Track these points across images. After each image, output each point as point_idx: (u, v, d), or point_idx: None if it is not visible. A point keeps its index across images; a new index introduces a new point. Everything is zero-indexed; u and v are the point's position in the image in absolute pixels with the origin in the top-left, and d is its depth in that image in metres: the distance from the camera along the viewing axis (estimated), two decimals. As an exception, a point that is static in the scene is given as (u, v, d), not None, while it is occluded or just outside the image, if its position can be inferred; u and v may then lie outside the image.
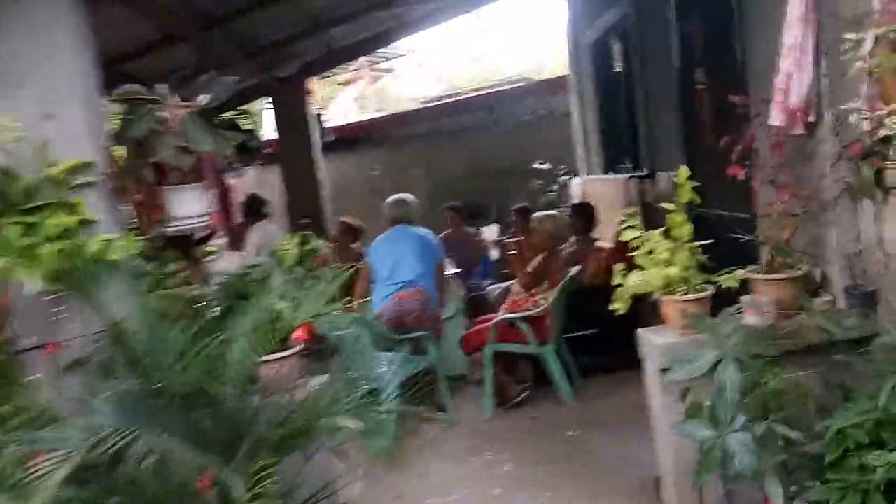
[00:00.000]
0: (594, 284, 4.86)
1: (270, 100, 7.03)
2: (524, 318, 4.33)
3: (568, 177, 6.68)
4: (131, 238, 2.54)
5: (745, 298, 2.65)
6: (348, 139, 9.01)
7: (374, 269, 4.54)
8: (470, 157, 8.74)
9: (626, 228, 2.70)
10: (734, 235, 3.19)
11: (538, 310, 4.34)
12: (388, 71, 20.48)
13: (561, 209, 6.71)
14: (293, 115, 6.87)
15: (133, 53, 4.68)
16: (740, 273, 2.62)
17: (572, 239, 5.21)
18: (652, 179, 4.41)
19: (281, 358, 2.67)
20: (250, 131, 6.73)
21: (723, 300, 2.66)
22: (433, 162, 8.90)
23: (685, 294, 2.58)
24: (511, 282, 5.01)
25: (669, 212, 2.62)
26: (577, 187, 6.27)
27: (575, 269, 4.55)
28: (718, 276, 2.63)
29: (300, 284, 2.58)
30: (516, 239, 5.51)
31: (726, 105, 3.44)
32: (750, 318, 2.52)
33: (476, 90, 9.45)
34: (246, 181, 9.64)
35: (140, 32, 4.67)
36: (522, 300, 4.46)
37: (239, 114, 7.34)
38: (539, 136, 8.38)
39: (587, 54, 6.34)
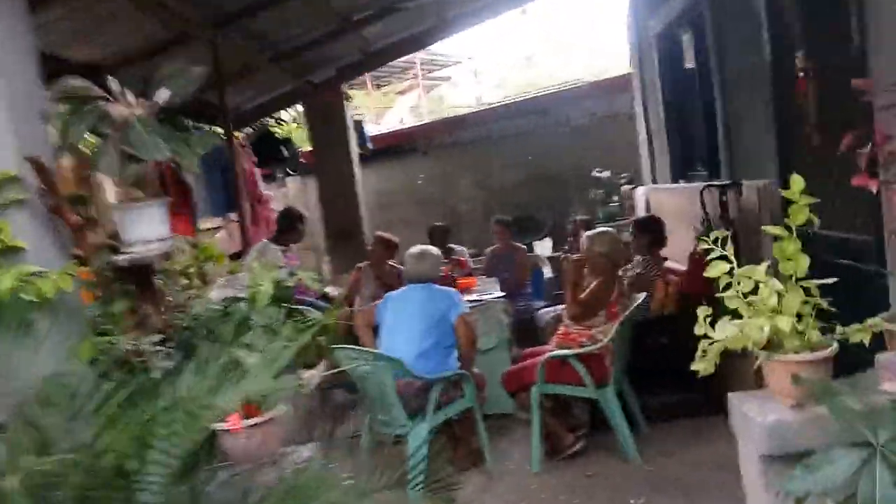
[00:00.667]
0: (663, 314, 4.12)
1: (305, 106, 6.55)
2: (578, 356, 3.63)
3: (631, 186, 5.93)
4: (66, 270, 2.01)
5: (882, 358, 1.91)
6: (392, 148, 8.48)
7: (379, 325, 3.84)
8: (522, 165, 8.06)
9: (711, 259, 1.98)
10: (853, 264, 2.45)
11: (595, 346, 3.63)
12: (444, 79, 20.06)
13: (622, 223, 5.96)
14: (329, 122, 6.37)
15: (140, 55, 4.22)
16: (878, 322, 1.88)
17: (636, 259, 4.47)
18: (735, 190, 3.64)
19: (254, 425, 2.09)
20: (286, 140, 6.29)
21: (846, 358, 1.93)
22: (482, 171, 8.27)
23: (798, 352, 1.86)
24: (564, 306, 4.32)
25: (775, 237, 1.89)
26: (642, 198, 5.52)
27: (640, 297, 3.81)
28: (841, 325, 1.90)
29: (272, 333, 1.99)
30: (575, 256, 4.83)
31: (839, 95, 2.69)
32: (890, 387, 1.79)
33: (529, 93, 8.76)
34: (288, 194, 9.24)
35: (149, 31, 4.22)
36: (576, 333, 3.76)
37: (274, 121, 6.95)
38: (598, 140, 7.63)
39: (652, 48, 5.59)
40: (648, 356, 3.99)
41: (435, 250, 3.97)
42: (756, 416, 1.91)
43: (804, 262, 1.81)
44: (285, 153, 6.23)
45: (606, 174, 6.61)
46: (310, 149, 6.61)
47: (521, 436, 4.13)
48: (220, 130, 6.05)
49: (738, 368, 3.76)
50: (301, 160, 6.99)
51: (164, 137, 2.08)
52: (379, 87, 18.21)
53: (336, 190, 6.41)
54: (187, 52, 4.44)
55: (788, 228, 1.86)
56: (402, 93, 19.63)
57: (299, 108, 6.75)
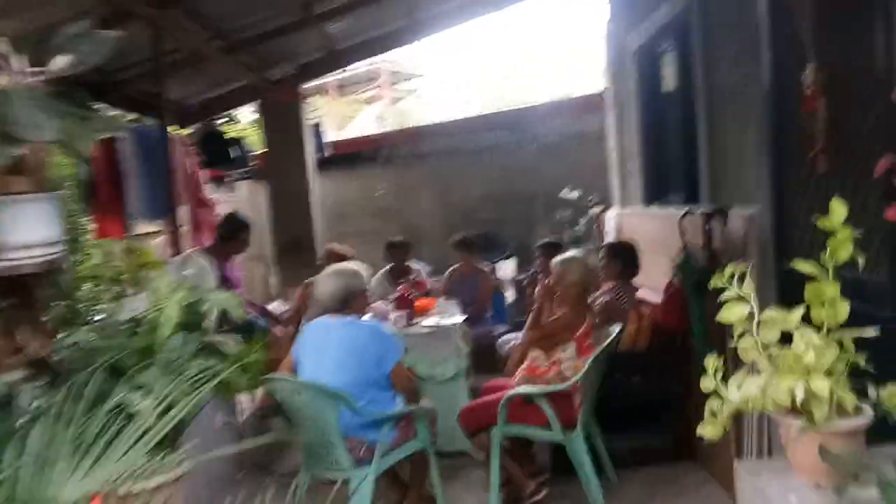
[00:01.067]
0: (634, 349, 3.79)
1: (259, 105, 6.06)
2: (546, 395, 3.25)
3: (600, 208, 5.63)
4: None
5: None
6: (351, 156, 8.05)
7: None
8: (488, 181, 7.72)
9: (728, 299, 1.62)
10: (869, 310, 2.13)
11: (565, 385, 3.26)
12: (411, 91, 19.76)
13: (589, 247, 5.66)
14: (284, 123, 5.92)
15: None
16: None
17: (606, 286, 4.14)
18: (720, 217, 3.34)
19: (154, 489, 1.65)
20: (236, 140, 5.80)
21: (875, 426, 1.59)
22: (445, 185, 7.90)
23: (828, 419, 1.51)
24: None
25: (806, 277, 1.54)
26: (611, 221, 5.23)
27: (614, 330, 3.47)
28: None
29: (177, 371, 1.55)
30: (545, 282, 4.47)
31: (856, 114, 2.40)
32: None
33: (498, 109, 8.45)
34: (239, 198, 8.71)
35: (83, 3, 3.74)
36: (544, 369, 3.39)
37: (226, 119, 6.46)
38: (566, 160, 7.34)
39: (631, 63, 5.32)
40: (617, 394, 3.65)
41: (352, 270, 3.25)
42: (775, 496, 1.54)
43: (844, 309, 1.47)
44: (234, 154, 5.74)
45: (575, 195, 6.31)
46: (262, 151, 6.13)
47: (477, 479, 3.74)
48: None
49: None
50: (254, 163, 6.50)
51: (53, 114, 1.64)
52: (343, 94, 17.80)
53: (288, 197, 5.95)
54: (125, 32, 3.95)
55: (821, 266, 1.52)
56: (367, 102, 19.26)
57: (253, 107, 6.28)
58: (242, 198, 8.40)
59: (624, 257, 4.16)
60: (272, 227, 6.03)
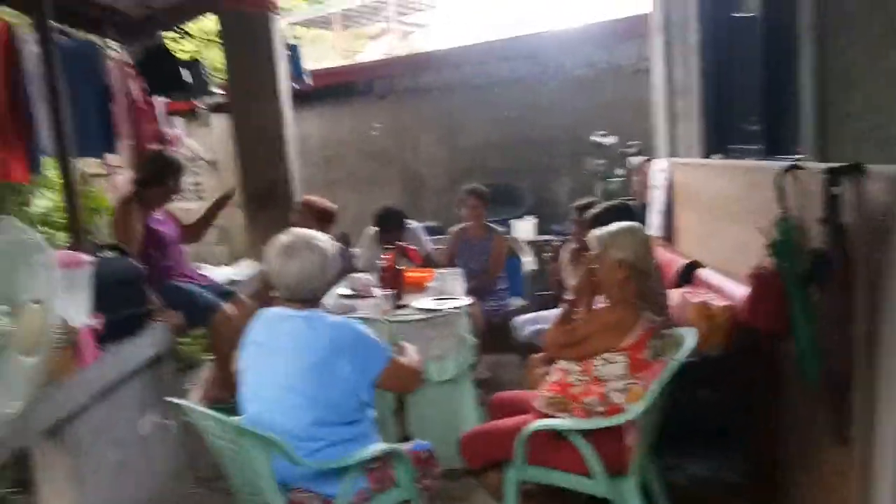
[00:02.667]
0: (704, 354, 2.76)
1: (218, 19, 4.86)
2: (583, 432, 2.25)
3: (642, 158, 4.52)
4: None
5: None
6: (341, 87, 6.87)
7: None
8: (502, 122, 6.54)
9: None
10: None
11: (612, 420, 2.25)
12: (421, 25, 18.29)
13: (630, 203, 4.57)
14: (250, 42, 4.75)
15: None
16: None
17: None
18: (855, 178, 2.24)
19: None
20: (190, 62, 4.67)
21: None
22: (451, 125, 6.73)
23: None
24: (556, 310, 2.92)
25: None
26: (661, 175, 4.12)
27: (688, 336, 2.43)
28: None
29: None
30: (574, 257, 3.41)
31: None
32: None
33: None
34: (211, 134, 7.58)
35: None
36: (580, 386, 2.36)
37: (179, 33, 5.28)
38: (599, 97, 6.17)
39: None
40: (678, 412, 2.65)
41: (322, 242, 2.22)
42: None
43: None
44: (188, 79, 4.61)
45: (610, 140, 5.17)
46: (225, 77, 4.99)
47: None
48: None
49: (803, 449, 2.46)
50: (217, 91, 5.37)
51: None
52: (348, 28, 16.43)
53: (256, 135, 4.83)
54: None
55: None
56: (374, 37, 17.87)
57: (212, 19, 5.09)
58: (215, 134, 7.31)
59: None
60: (238, 171, 4.95)
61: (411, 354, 2.38)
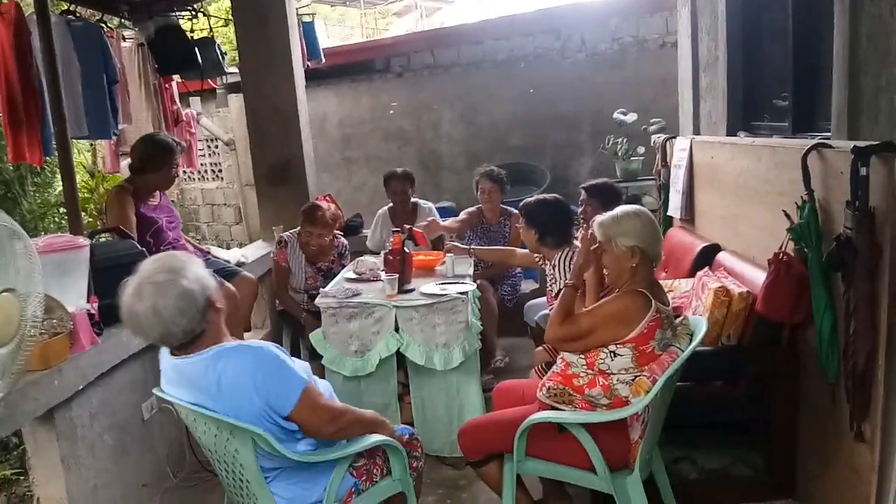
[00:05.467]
0: (720, 342, 2.63)
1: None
2: (586, 425, 2.14)
3: (665, 136, 4.34)
4: None
5: None
6: (357, 66, 6.75)
7: None
8: (521, 100, 6.38)
9: None
10: None
11: (617, 414, 2.13)
12: (448, 2, 17.99)
13: (648, 184, 4.41)
14: (263, 19, 4.66)
15: None
16: None
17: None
18: (886, 158, 2.06)
19: None
20: (204, 41, 4.60)
21: None
22: (472, 102, 6.58)
23: None
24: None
25: None
26: (682, 153, 3.94)
27: (700, 325, 2.29)
28: None
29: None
30: (582, 240, 3.27)
31: None
32: None
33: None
34: (229, 116, 7.52)
35: None
36: (585, 379, 2.24)
37: (192, 12, 5.19)
38: (622, 73, 5.96)
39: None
40: (688, 404, 2.53)
41: (192, 278, 1.78)
42: None
43: None
44: (202, 59, 4.55)
45: (632, 118, 4.98)
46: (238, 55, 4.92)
47: (478, 496, 2.71)
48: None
49: (820, 444, 2.32)
50: (233, 71, 5.30)
51: None
52: (372, 5, 16.24)
53: (269, 114, 4.76)
54: None
55: None
56: (398, 14, 17.65)
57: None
58: (233, 115, 7.27)
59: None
60: (252, 151, 4.89)
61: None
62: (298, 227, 3.89)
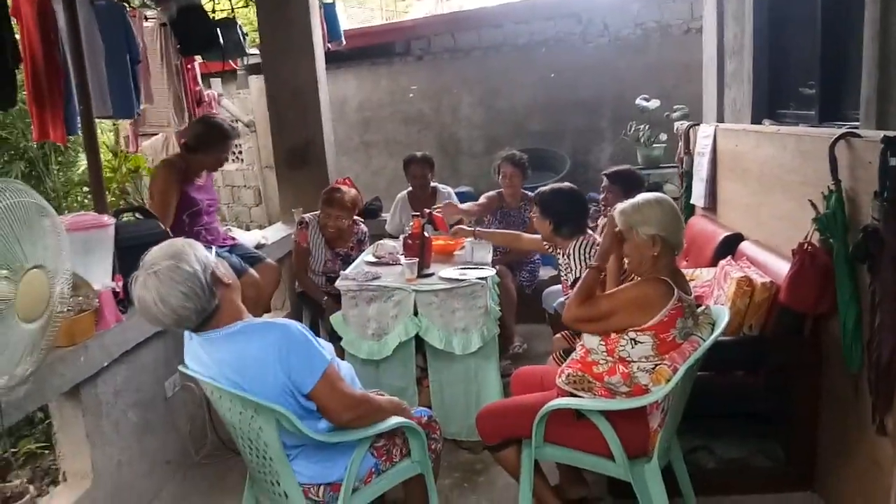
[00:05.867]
0: (741, 332, 2.62)
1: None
2: (605, 413, 2.15)
3: (688, 123, 4.29)
4: None
5: None
6: (377, 48, 6.73)
7: None
8: (542, 85, 6.34)
9: None
10: None
11: (636, 402, 2.13)
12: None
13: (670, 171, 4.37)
14: (285, 0, 4.65)
15: None
16: None
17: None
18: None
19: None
20: (226, 21, 4.61)
21: None
22: (492, 87, 6.55)
23: None
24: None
25: None
26: (706, 140, 3.90)
27: (721, 315, 2.28)
28: None
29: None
30: (606, 225, 3.26)
31: None
32: None
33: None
34: (249, 97, 7.54)
35: None
36: (604, 367, 2.24)
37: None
38: (645, 59, 5.89)
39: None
40: (708, 393, 2.51)
41: (183, 257, 1.79)
42: None
43: None
44: (224, 40, 4.55)
45: (655, 104, 4.93)
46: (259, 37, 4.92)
47: (499, 499, 2.73)
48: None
49: (841, 437, 2.31)
50: (254, 52, 5.30)
51: None
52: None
53: (289, 96, 4.76)
54: None
55: None
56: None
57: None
58: (253, 97, 7.28)
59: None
60: (272, 133, 4.90)
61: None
62: (319, 210, 3.90)
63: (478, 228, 3.74)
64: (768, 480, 2.67)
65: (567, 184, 3.27)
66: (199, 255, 1.84)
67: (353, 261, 3.76)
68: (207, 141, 3.47)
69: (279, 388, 1.82)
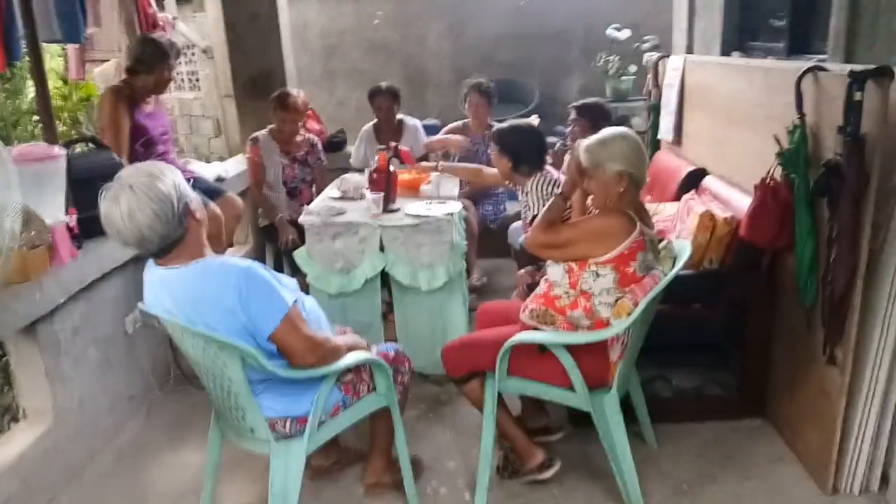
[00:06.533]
0: (700, 268, 2.66)
1: None
2: (567, 346, 2.18)
3: (658, 55, 4.23)
4: None
5: None
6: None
7: None
8: (511, 14, 6.15)
9: None
10: None
11: (597, 335, 2.17)
12: None
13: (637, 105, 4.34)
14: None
15: None
16: None
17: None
18: (881, 83, 2.02)
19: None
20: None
21: None
22: (461, 15, 6.35)
23: None
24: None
25: None
26: (674, 73, 3.85)
27: (682, 248, 2.31)
28: None
29: None
30: (570, 158, 3.24)
31: None
32: None
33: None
34: (205, 22, 7.17)
35: None
36: (566, 301, 2.26)
37: None
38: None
39: None
40: (666, 324, 2.56)
41: (154, 180, 1.74)
42: None
43: None
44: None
45: (625, 34, 4.84)
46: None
47: (463, 428, 2.79)
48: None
49: (792, 367, 2.40)
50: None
51: None
52: None
53: (248, 21, 4.55)
54: None
55: None
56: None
57: None
58: (211, 19, 6.94)
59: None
60: (231, 60, 4.70)
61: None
62: (271, 125, 3.91)
63: (441, 162, 3.70)
64: (720, 408, 2.78)
65: (525, 121, 3.25)
66: (177, 180, 1.80)
67: (311, 164, 4.01)
68: (146, 60, 3.32)
69: (239, 329, 1.81)
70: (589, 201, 2.44)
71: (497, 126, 3.22)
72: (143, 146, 3.33)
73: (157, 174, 1.76)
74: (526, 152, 3.07)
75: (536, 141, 3.12)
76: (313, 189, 4.02)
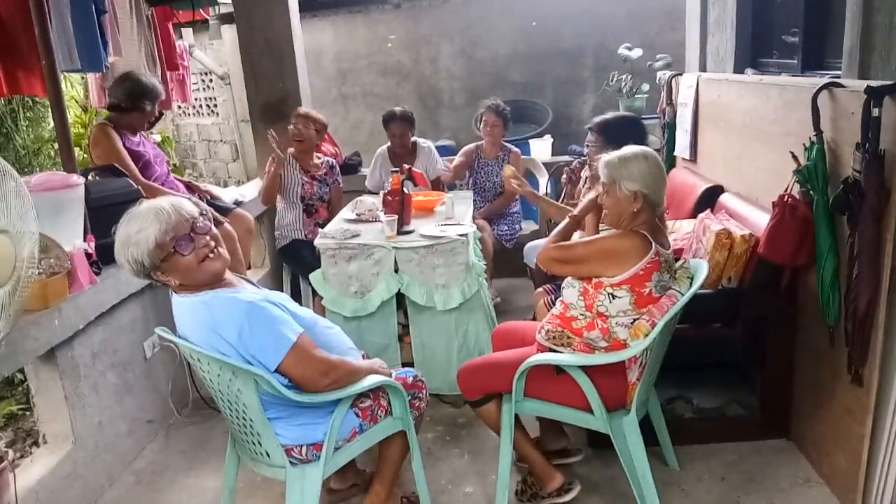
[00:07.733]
0: (719, 284, 2.63)
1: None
2: (584, 368, 2.16)
3: (671, 73, 4.22)
4: None
5: None
6: (354, -5, 6.52)
7: None
8: (524, 33, 6.20)
9: None
10: None
11: (615, 356, 2.14)
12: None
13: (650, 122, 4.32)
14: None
15: None
16: None
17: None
18: (897, 98, 2.01)
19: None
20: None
21: None
22: (472, 36, 6.40)
23: None
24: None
25: None
26: (688, 90, 3.84)
27: (700, 269, 2.29)
28: None
29: None
30: (589, 177, 3.22)
31: None
32: None
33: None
34: (222, 49, 7.31)
35: None
36: (583, 322, 2.25)
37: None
38: (627, 6, 5.76)
39: None
40: (687, 346, 2.53)
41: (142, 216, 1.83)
42: None
43: None
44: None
45: (638, 53, 4.84)
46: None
47: (480, 452, 2.76)
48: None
49: (815, 386, 2.36)
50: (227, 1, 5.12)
51: None
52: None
53: (263, 46, 4.62)
54: None
55: None
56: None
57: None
58: (227, 47, 7.06)
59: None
60: (247, 86, 4.77)
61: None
62: (291, 149, 3.99)
63: (538, 194, 3.55)
64: (743, 428, 2.73)
65: (630, 113, 3.25)
66: (153, 235, 1.81)
67: (329, 183, 4.01)
68: (133, 99, 3.37)
69: (243, 361, 1.83)
70: (602, 218, 2.44)
71: (601, 117, 3.22)
72: (142, 170, 3.39)
73: (138, 229, 1.81)
74: (633, 142, 3.00)
75: (643, 133, 3.09)
76: (329, 209, 4.04)
